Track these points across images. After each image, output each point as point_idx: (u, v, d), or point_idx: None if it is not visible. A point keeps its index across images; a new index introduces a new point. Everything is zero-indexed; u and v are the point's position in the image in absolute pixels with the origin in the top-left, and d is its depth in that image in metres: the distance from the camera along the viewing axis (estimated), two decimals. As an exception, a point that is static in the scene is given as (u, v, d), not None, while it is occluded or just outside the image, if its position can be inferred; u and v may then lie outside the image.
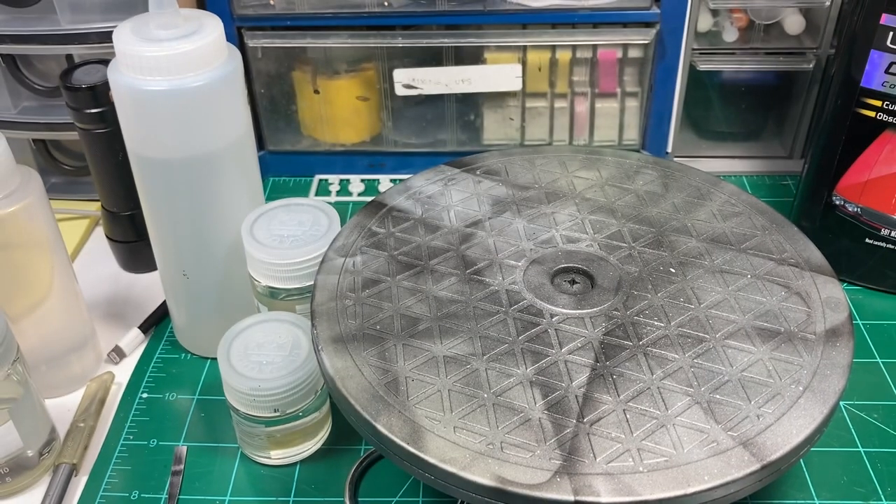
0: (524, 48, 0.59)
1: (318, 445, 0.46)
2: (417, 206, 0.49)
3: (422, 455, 0.34)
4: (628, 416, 0.36)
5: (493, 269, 0.44)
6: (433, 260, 0.44)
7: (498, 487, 0.33)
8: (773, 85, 0.62)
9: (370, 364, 0.38)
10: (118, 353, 0.54)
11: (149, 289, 0.60)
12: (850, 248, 0.52)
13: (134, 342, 0.55)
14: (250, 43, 0.59)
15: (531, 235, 0.46)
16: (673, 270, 0.43)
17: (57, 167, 0.66)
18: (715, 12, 0.60)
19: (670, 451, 0.34)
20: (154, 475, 0.45)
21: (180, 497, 0.44)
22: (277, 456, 0.45)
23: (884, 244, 0.51)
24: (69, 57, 0.59)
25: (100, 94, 0.52)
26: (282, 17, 0.58)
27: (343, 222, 0.49)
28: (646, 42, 0.58)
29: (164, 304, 0.57)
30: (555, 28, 0.58)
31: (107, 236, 0.61)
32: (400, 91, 0.60)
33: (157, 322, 0.57)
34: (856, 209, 0.51)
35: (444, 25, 0.58)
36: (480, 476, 0.33)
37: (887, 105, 0.48)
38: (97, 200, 0.60)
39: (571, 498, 0.32)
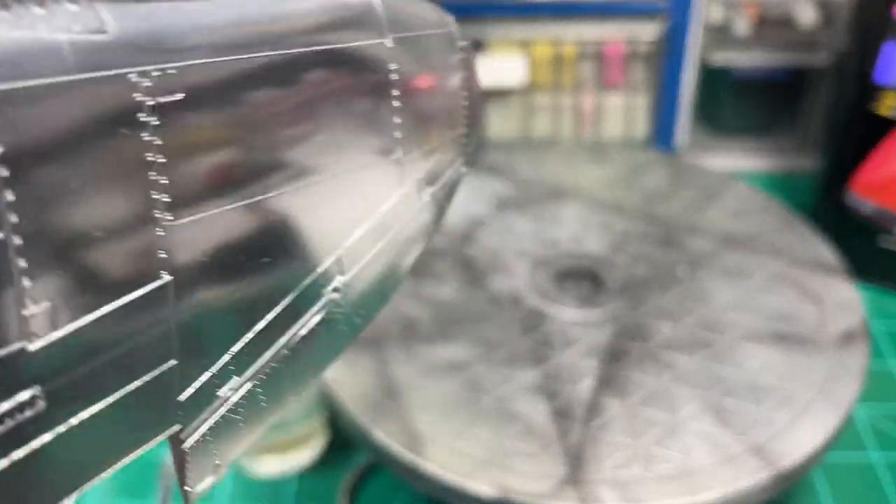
0: (529, 42, 0.58)
1: (315, 454, 0.45)
2: (419, 204, 0.48)
3: (422, 464, 0.33)
4: (636, 421, 0.35)
5: (495, 270, 0.43)
6: (433, 261, 0.43)
7: (501, 497, 0.32)
8: (785, 80, 0.61)
9: (368, 369, 0.37)
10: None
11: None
12: (863, 249, 0.51)
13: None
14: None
15: (535, 235, 0.45)
16: (681, 271, 0.43)
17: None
18: (726, 5, 0.59)
19: (679, 457, 0.33)
20: (143, 484, 0.45)
21: None
22: (272, 465, 0.44)
23: (898, 244, 0.50)
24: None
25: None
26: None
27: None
28: (654, 35, 0.57)
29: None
30: (560, 20, 0.57)
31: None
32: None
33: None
34: (870, 209, 0.50)
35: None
36: (483, 485, 0.32)
37: (902, 100, 0.47)
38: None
39: (576, 508, 0.31)
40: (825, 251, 0.44)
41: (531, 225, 0.46)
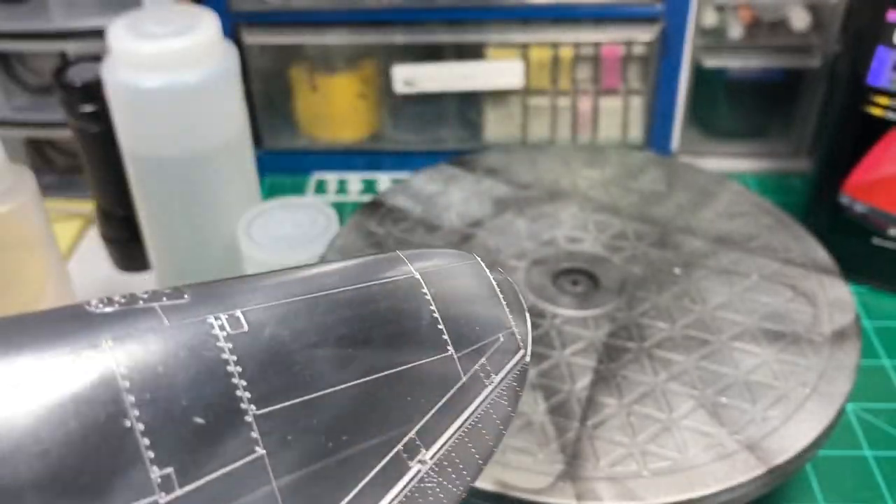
0: (526, 45, 0.58)
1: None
2: (417, 205, 0.48)
3: (421, 460, 0.33)
4: (632, 419, 0.35)
5: (493, 270, 0.43)
6: (433, 260, 0.44)
7: (499, 492, 0.32)
8: (779, 82, 0.62)
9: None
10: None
11: (144, 288, 0.59)
12: (857, 249, 0.51)
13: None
14: (247, 39, 0.58)
15: (533, 235, 0.45)
16: (677, 271, 0.43)
17: (50, 166, 0.65)
18: (720, 8, 0.59)
19: (675, 454, 0.34)
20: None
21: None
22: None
23: (892, 245, 0.50)
24: (63, 54, 0.58)
25: (94, 92, 0.51)
26: (279, 13, 0.58)
27: (342, 222, 0.48)
28: (650, 38, 0.57)
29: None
30: (557, 24, 0.58)
31: (102, 236, 0.60)
32: (399, 88, 0.60)
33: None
34: (863, 209, 0.50)
35: (445, 21, 0.58)
36: (481, 481, 0.32)
37: (895, 103, 0.47)
38: (92, 200, 0.59)
39: (574, 503, 0.32)
40: (819, 251, 0.44)
41: (529, 225, 0.46)
